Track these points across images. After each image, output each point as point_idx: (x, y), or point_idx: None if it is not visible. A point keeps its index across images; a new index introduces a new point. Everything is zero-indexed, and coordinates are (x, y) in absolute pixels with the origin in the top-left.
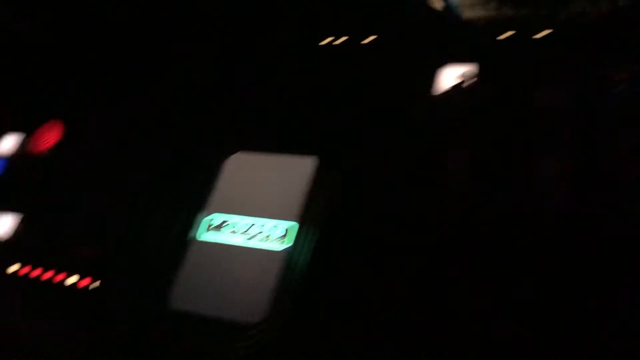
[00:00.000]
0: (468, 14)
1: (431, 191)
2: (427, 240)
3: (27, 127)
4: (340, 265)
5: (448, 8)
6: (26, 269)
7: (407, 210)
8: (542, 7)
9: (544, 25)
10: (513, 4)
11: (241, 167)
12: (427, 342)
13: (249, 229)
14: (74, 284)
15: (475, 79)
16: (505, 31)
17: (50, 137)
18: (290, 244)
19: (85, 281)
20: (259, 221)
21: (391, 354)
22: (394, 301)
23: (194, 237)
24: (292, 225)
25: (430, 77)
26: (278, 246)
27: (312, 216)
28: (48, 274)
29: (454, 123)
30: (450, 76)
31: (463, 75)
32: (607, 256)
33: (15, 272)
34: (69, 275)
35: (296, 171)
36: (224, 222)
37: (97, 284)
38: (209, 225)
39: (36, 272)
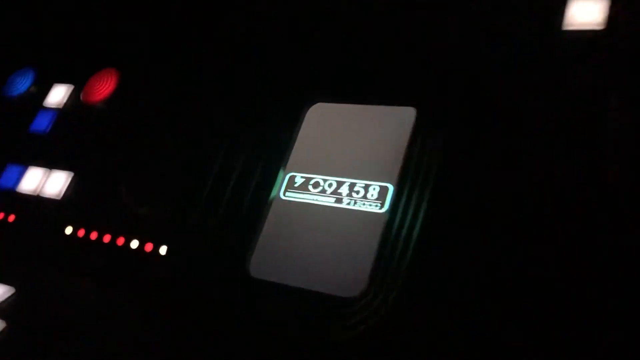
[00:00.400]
0: None
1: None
2: (538, 212)
3: (79, 76)
4: (448, 235)
5: None
6: (82, 232)
7: (524, 174)
8: None
9: None
10: None
11: (326, 119)
12: (536, 314)
13: (339, 189)
14: (138, 249)
15: None
16: None
17: (104, 86)
18: (388, 208)
19: (149, 246)
20: (348, 181)
21: (501, 330)
22: (509, 275)
23: (276, 195)
24: (389, 187)
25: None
26: (376, 209)
27: (414, 178)
28: (107, 237)
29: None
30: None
31: None
32: None
33: (72, 235)
34: (130, 239)
35: (394, 124)
36: (308, 179)
37: (164, 249)
38: (292, 184)
39: (94, 235)
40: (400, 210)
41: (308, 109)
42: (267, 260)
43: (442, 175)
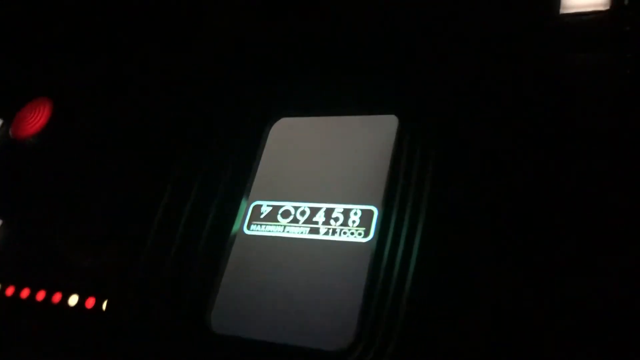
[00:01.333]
0: None
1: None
2: (537, 229)
3: (7, 109)
4: (449, 263)
5: None
6: (10, 290)
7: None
8: None
9: None
10: None
11: (293, 136)
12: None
13: (314, 217)
14: (77, 305)
15: None
16: None
17: (36, 119)
18: (374, 235)
19: (91, 301)
20: (324, 206)
21: None
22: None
23: (239, 230)
24: (374, 211)
25: None
26: (360, 238)
27: (402, 197)
28: (40, 295)
29: None
30: None
31: None
32: None
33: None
34: (68, 294)
35: (373, 137)
36: (276, 208)
37: (106, 303)
38: (257, 214)
39: (24, 293)
40: (389, 237)
41: (271, 125)
42: (232, 311)
43: (435, 192)
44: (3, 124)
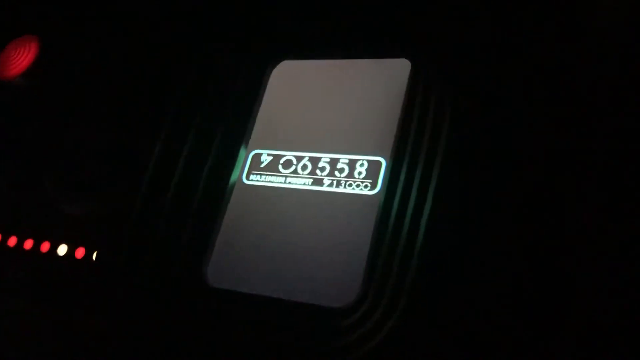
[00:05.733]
0: None
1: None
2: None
3: None
4: (463, 218)
5: None
6: None
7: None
8: None
9: None
10: None
11: (296, 81)
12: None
13: (317, 167)
14: (67, 255)
15: None
16: None
17: (21, 58)
18: (381, 188)
19: (81, 251)
20: (327, 157)
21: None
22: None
23: (237, 179)
24: (382, 162)
25: None
26: (366, 190)
27: (414, 147)
28: (28, 243)
29: None
30: None
31: None
32: None
33: None
34: (57, 244)
35: (382, 82)
36: (277, 157)
37: (96, 253)
38: (257, 164)
39: (11, 242)
40: (398, 190)
41: (272, 69)
42: (230, 264)
43: (450, 142)
44: None
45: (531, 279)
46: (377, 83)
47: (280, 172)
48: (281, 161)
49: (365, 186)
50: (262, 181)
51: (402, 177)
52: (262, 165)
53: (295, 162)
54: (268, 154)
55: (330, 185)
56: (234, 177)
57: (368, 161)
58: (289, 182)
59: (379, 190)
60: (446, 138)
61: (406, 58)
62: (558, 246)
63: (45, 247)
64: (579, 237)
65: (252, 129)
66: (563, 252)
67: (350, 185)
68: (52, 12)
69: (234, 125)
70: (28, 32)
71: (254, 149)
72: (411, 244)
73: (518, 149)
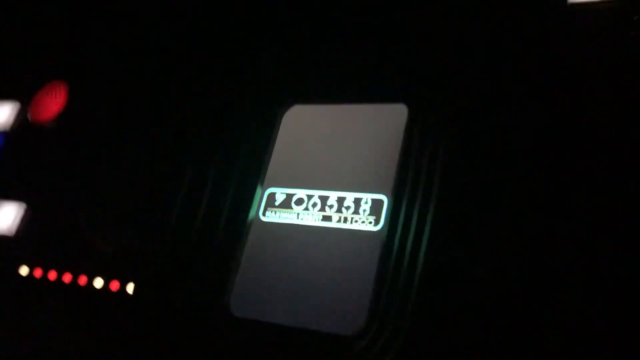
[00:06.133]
0: None
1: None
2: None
3: (24, 92)
4: (460, 252)
5: None
6: (38, 272)
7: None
8: None
9: None
10: None
11: (306, 123)
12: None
13: (326, 205)
14: (103, 288)
15: None
16: None
17: (53, 102)
18: (384, 224)
19: (115, 284)
20: (335, 195)
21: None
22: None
23: (255, 216)
24: (383, 200)
25: None
26: (371, 226)
27: (412, 186)
28: (67, 277)
29: None
30: None
31: None
32: None
33: (28, 276)
34: (93, 277)
35: (384, 125)
36: (290, 195)
37: (131, 287)
38: (272, 201)
39: (52, 275)
40: (399, 226)
41: (284, 112)
42: (250, 295)
43: (445, 180)
44: (21, 108)
45: (525, 306)
46: (379, 126)
47: (292, 208)
48: (294, 199)
49: (370, 222)
50: (277, 218)
51: (402, 214)
52: (277, 203)
53: (306, 199)
54: (282, 192)
55: (339, 221)
56: (251, 214)
57: (372, 199)
58: (301, 219)
59: (382, 226)
60: (440, 177)
61: (404, 104)
62: (550, 276)
63: (82, 280)
64: (568, 269)
65: (266, 168)
66: (555, 286)
67: (356, 221)
68: (78, 58)
69: (251, 165)
70: (56, 78)
71: (269, 187)
72: (411, 277)
73: (507, 189)
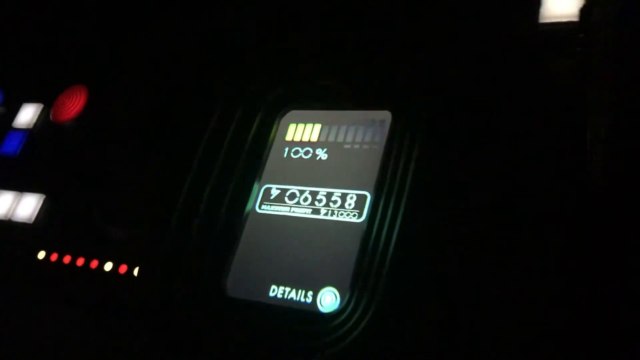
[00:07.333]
0: None
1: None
2: (522, 219)
3: (48, 95)
4: (425, 244)
5: None
6: (54, 256)
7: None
8: None
9: None
10: None
11: (299, 128)
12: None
13: (315, 199)
14: (112, 271)
15: None
16: None
17: (73, 104)
18: (366, 218)
19: (123, 267)
20: (324, 191)
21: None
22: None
23: (252, 209)
24: (367, 196)
25: None
26: (354, 219)
27: (390, 185)
28: (80, 260)
29: None
30: None
31: None
32: None
33: (45, 260)
34: (104, 261)
35: (371, 130)
36: (284, 191)
37: (136, 270)
38: (268, 196)
39: (66, 259)
40: (377, 219)
41: (281, 116)
42: (244, 278)
43: (417, 181)
44: (44, 109)
45: (486, 286)
46: (365, 130)
47: (286, 202)
48: (287, 194)
49: (354, 215)
50: (272, 210)
51: (380, 208)
52: (272, 197)
53: (298, 194)
54: (277, 188)
55: (326, 214)
56: (249, 206)
57: (356, 195)
58: (293, 211)
59: (364, 219)
60: (412, 178)
61: (388, 110)
62: (520, 269)
63: (94, 264)
64: (540, 269)
65: (264, 167)
66: (514, 267)
67: (342, 214)
68: (98, 65)
69: (249, 163)
70: (77, 82)
71: (265, 184)
72: (383, 259)
73: (470, 186)
